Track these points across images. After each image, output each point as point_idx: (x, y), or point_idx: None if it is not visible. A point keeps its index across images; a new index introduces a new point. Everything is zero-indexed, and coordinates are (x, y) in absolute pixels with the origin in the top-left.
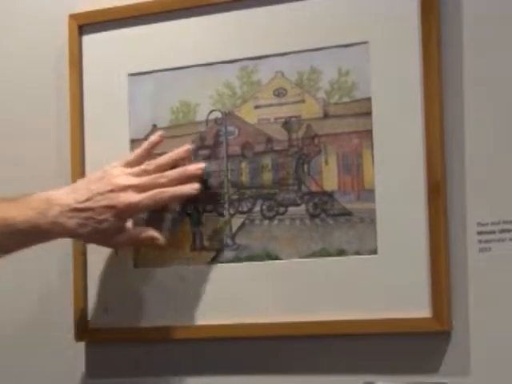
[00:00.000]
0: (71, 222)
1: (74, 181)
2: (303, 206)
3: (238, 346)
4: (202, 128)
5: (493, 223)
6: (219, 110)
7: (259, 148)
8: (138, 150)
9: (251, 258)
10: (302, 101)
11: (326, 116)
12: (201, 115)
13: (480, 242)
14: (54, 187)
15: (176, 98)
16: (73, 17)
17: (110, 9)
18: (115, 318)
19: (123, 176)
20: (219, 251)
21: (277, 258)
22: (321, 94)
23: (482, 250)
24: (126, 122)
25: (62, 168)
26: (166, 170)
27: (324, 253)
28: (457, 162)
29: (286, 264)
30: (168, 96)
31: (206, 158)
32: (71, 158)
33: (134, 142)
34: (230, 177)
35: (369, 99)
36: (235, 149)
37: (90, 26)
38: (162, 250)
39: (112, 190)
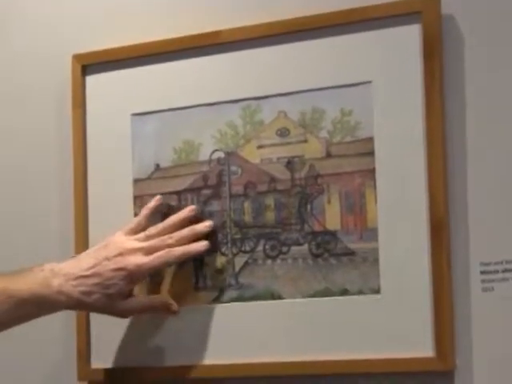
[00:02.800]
0: (76, 291)
1: (76, 217)
2: (306, 246)
3: None
4: (205, 168)
5: (496, 263)
6: (222, 150)
7: (262, 188)
8: (138, 217)
9: (254, 298)
10: (305, 140)
11: (328, 155)
12: (204, 155)
13: (483, 281)
14: (57, 226)
15: (179, 138)
16: (76, 57)
17: (113, 49)
18: (117, 357)
19: (129, 241)
20: (222, 291)
21: (280, 298)
22: (323, 134)
23: (485, 289)
24: (129, 161)
25: (64, 208)
26: (171, 232)
27: (327, 292)
28: (460, 201)
29: (288, 304)
30: (171, 136)
31: (209, 198)
32: (74, 198)
33: (137, 182)
34: (232, 216)
35: (371, 139)
36: (238, 188)
37: (94, 66)
38: (165, 289)
39: (120, 254)
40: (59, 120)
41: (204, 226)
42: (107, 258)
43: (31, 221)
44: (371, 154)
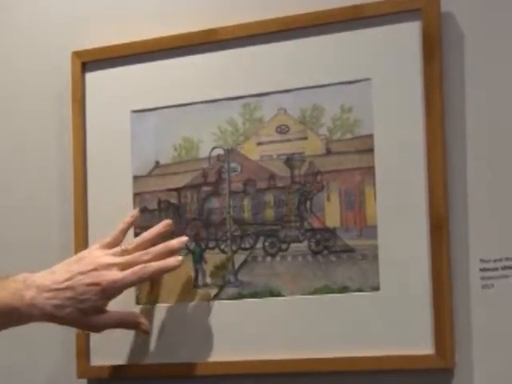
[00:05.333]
0: (49, 304)
1: (75, 214)
2: (305, 243)
3: (240, 382)
4: (205, 165)
5: (495, 260)
6: (222, 147)
7: (262, 184)
8: (115, 231)
9: (254, 295)
10: (305, 137)
11: (328, 152)
12: (203, 152)
13: (483, 278)
14: (56, 223)
15: (179, 135)
16: (76, 54)
17: (113, 46)
18: (117, 355)
19: (105, 256)
20: (222, 288)
21: (279, 295)
22: (323, 131)
23: (484, 286)
24: (129, 158)
25: (64, 205)
26: (147, 248)
27: (326, 289)
28: (459, 198)
29: (288, 301)
30: (171, 133)
31: (209, 195)
32: (74, 195)
33: (137, 179)
34: (232, 213)
35: (371, 136)
36: (238, 185)
37: (94, 63)
38: (165, 286)
39: (95, 269)
40: (59, 117)
41: (179, 241)
42: (82, 273)
43: (30, 217)
44: (371, 151)
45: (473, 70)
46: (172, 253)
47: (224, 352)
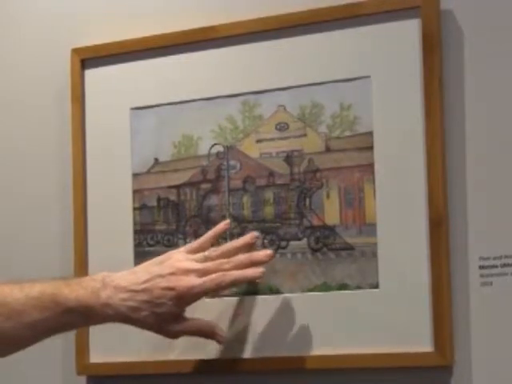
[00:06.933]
0: (124, 305)
1: (75, 212)
2: (305, 240)
3: (239, 381)
4: (204, 162)
5: (495, 258)
6: (221, 144)
7: (261, 182)
8: (202, 238)
9: (253, 292)
10: (304, 135)
11: (327, 150)
12: (203, 149)
13: (482, 276)
14: (56, 220)
15: (178, 132)
16: (75, 51)
17: (112, 43)
18: (116, 352)
19: (186, 261)
20: None
21: (278, 292)
22: (323, 128)
23: (483, 284)
24: (128, 155)
25: (63, 202)
26: (231, 256)
27: (325, 287)
28: (459, 195)
29: (287, 298)
30: (170, 130)
31: (208, 192)
32: (73, 192)
33: (137, 176)
34: (231, 211)
35: (370, 133)
36: (237, 183)
37: (93, 60)
38: None
39: (173, 273)
40: (58, 114)
41: (265, 254)
42: (160, 275)
43: (30, 215)
44: (370, 148)
45: (472, 68)
46: (254, 264)
47: (222, 350)
